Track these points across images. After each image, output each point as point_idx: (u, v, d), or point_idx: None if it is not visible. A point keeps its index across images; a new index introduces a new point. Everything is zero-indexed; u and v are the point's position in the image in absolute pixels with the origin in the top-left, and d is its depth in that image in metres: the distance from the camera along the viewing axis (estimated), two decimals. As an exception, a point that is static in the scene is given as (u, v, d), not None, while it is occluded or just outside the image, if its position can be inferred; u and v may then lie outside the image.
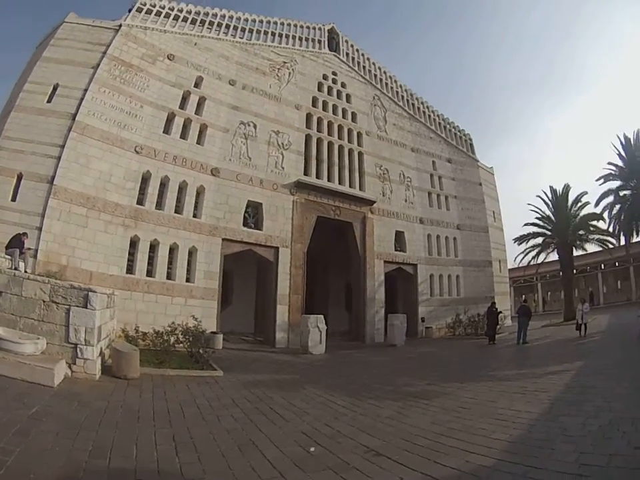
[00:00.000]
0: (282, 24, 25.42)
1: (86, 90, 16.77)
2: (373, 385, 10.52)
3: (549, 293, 49.04)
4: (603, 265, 44.08)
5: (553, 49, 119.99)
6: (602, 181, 30.47)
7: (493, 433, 5.88)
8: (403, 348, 20.44)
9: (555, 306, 43.44)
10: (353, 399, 8.54)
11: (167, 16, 20.46)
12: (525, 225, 33.16)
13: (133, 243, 16.54)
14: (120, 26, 18.65)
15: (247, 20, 23.76)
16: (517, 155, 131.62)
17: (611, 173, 30.20)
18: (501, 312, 22.76)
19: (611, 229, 29.91)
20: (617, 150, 29.81)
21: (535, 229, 32.56)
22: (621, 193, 29.52)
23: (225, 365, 12.62)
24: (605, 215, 29.82)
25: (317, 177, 23.07)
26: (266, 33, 24.45)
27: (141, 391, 8.37)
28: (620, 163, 29.81)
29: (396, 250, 25.84)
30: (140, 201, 17.01)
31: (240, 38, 23.04)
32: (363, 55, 29.45)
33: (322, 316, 18.41)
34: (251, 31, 23.76)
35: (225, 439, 5.71)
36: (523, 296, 44.53)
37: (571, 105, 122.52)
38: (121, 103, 17.46)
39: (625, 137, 29.46)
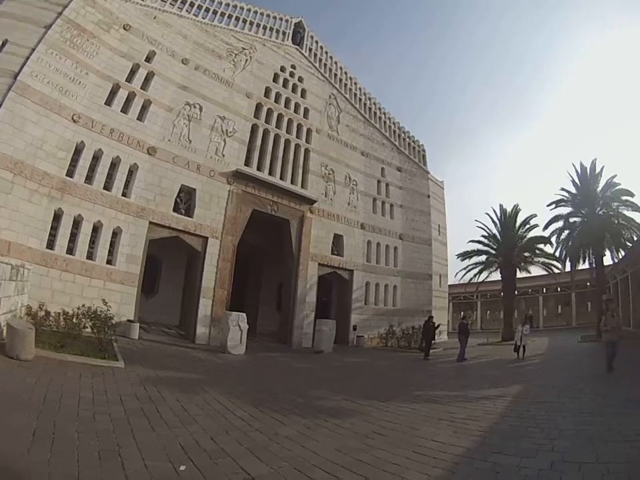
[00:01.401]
0: (249, 10, 25.43)
1: (33, 49, 16.18)
2: (283, 395, 10.06)
3: (488, 312, 51.17)
4: (545, 289, 46.31)
5: (508, 75, 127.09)
6: (553, 206, 32.13)
7: (405, 471, 5.21)
8: (330, 355, 20.62)
9: (493, 325, 45.35)
10: (255, 410, 8.05)
11: (132, -15, 20.18)
12: (470, 241, 34.60)
13: (57, 217, 16.01)
14: (83, -13, 18.24)
15: (212, 0, 23.71)
16: (467, 174, 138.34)
17: (562, 199, 31.86)
18: (438, 326, 23.34)
19: (557, 254, 31.55)
20: (572, 178, 31.52)
21: (480, 247, 34.05)
22: (571, 220, 31.21)
23: (132, 356, 12.38)
24: (553, 239, 31.44)
25: (258, 169, 23.18)
26: (230, 16, 24.42)
27: (27, 374, 7.96)
28: (573, 190, 31.50)
29: (333, 253, 26.23)
30: (70, 173, 16.50)
31: (202, 18, 22.96)
32: (326, 52, 29.88)
33: (244, 314, 18.30)
34: (215, 12, 23.69)
35: (89, 442, 5.21)
36: (462, 313, 46.14)
37: (522, 133, 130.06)
38: (66, 68, 16.93)
39: (581, 166, 31.34)
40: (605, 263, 30.66)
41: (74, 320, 12.37)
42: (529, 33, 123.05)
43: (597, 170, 30.64)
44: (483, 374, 15.73)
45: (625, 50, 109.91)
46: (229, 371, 13.74)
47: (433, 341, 21.57)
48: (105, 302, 12.94)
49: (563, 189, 32.05)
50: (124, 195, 18.03)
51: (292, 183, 24.80)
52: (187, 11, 22.36)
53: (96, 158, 17.45)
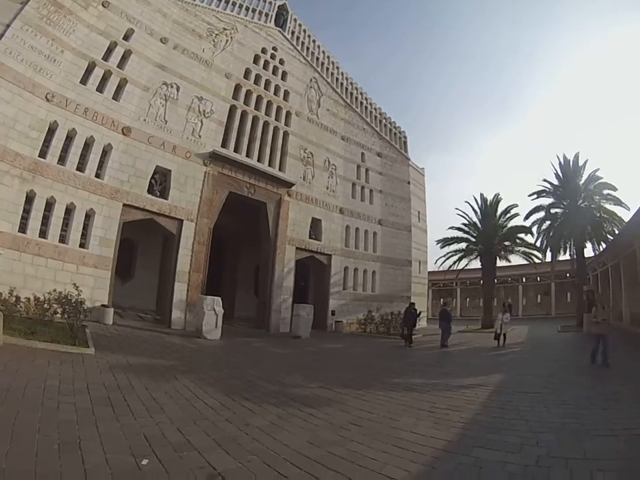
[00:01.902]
0: (231, -11, 25.18)
1: (8, 26, 15.79)
2: (257, 382, 9.74)
3: (468, 299, 52.08)
4: (524, 278, 47.05)
5: (494, 72, 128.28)
6: (535, 196, 32.61)
7: (383, 467, 4.91)
8: (308, 341, 20.61)
9: (472, 312, 45.88)
10: (227, 399, 7.79)
11: (113, -39, 19.78)
12: (450, 228, 34.92)
13: (29, 199, 15.67)
14: (61, -39, 17.82)
15: (194, -22, 23.43)
16: (448, 167, 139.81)
17: (544, 190, 32.35)
18: (420, 312, 23.61)
19: (538, 244, 32.12)
20: (555, 169, 31.94)
21: (460, 234, 34.35)
22: (552, 211, 31.68)
23: (104, 342, 12.32)
24: (534, 229, 31.99)
25: (235, 151, 23.06)
26: (213, -5, 24.15)
27: (-7, 362, 7.71)
28: (555, 182, 31.94)
29: (310, 237, 26.32)
30: (42, 154, 16.17)
31: None
32: (309, 36, 29.75)
33: (219, 298, 18.17)
34: None
35: (50, 433, 5.01)
36: (442, 299, 46.70)
37: (503, 130, 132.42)
38: (41, 45, 16.54)
39: (565, 158, 31.81)
40: (586, 255, 31.36)
41: (45, 306, 12.37)
42: (519, 30, 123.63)
43: (580, 163, 31.19)
44: (464, 362, 15.65)
45: (612, 47, 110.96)
46: (203, 356, 13.53)
47: (414, 328, 21.35)
48: (76, 286, 12.89)
49: (545, 180, 32.63)
50: (97, 176, 17.77)
51: (270, 165, 24.75)
52: (168, -12, 22.02)
53: (69, 138, 17.14)
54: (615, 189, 29.37)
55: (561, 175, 31.91)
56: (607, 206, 29.85)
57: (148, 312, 21.41)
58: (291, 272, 24.92)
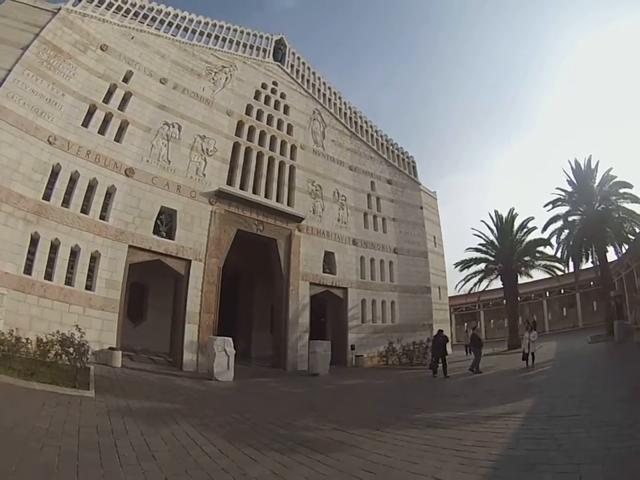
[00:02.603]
0: (228, 28, 25.73)
1: (10, 70, 16.15)
2: (265, 425, 9.00)
3: (492, 321, 50.71)
4: (548, 293, 45.98)
5: (495, 85, 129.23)
6: (550, 206, 32.16)
7: None
8: (325, 378, 19.83)
9: (498, 334, 44.85)
10: (227, 445, 7.16)
11: (110, 6, 20.35)
12: (468, 249, 34.17)
13: (34, 241, 15.60)
14: (59, 9, 18.34)
15: (191, 20, 23.93)
16: (461, 186, 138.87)
17: (559, 198, 31.95)
18: (448, 339, 22.58)
19: (558, 255, 31.37)
20: (567, 175, 31.49)
21: (479, 255, 33.63)
22: (570, 218, 31.01)
23: (107, 385, 11.97)
24: (553, 240, 31.41)
25: (241, 188, 22.87)
26: (209, 35, 24.61)
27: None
28: (569, 189, 31.56)
29: (324, 271, 25.76)
30: (46, 196, 16.18)
31: (181, 37, 23.10)
32: (308, 68, 30.12)
33: (230, 338, 17.59)
34: (194, 31, 23.91)
35: (24, 477, 4.71)
36: (466, 325, 45.75)
37: (515, 142, 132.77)
38: (42, 89, 16.86)
39: (576, 162, 31.48)
40: (609, 259, 30.55)
41: (47, 347, 11.99)
42: (515, 38, 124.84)
43: (593, 165, 30.74)
44: (491, 388, 14.73)
45: (616, 46, 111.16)
46: (211, 399, 13.03)
47: (446, 355, 19.80)
48: (78, 328, 12.49)
49: (559, 188, 32.10)
50: (102, 217, 17.66)
51: (277, 200, 24.47)
52: (164, 30, 22.53)
53: (73, 180, 17.19)
54: (631, 187, 28.86)
55: (574, 180, 31.45)
56: (625, 205, 29.37)
57: (161, 354, 20.87)
58: (305, 308, 24.23)
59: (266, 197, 23.95)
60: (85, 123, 18.11)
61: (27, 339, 12.41)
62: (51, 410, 8.03)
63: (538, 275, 34.31)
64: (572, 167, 31.63)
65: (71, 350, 11.92)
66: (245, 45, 26.30)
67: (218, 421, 9.26)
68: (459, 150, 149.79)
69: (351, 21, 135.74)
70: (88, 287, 16.76)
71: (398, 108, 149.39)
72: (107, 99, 19.13)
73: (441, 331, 21.43)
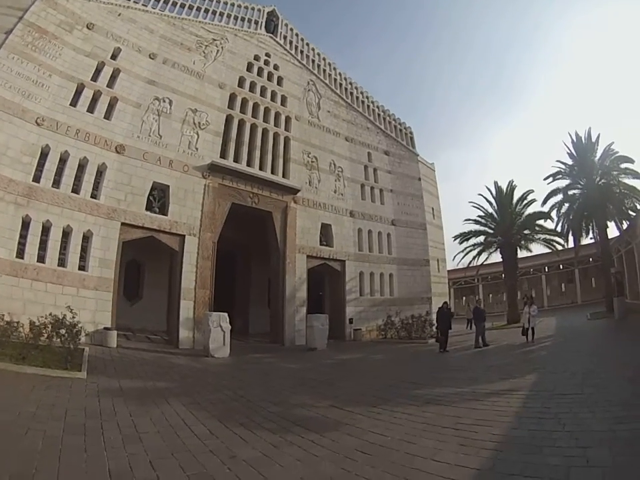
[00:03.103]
0: (218, 1, 25.12)
1: None
2: (259, 403, 8.80)
3: (491, 295, 50.75)
4: (547, 268, 46.00)
5: (498, 62, 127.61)
6: (550, 179, 31.80)
7: None
8: (323, 353, 19.70)
9: (496, 308, 44.67)
10: (219, 425, 7.00)
11: (96, -16, 19.90)
12: (466, 220, 33.98)
13: (25, 224, 15.54)
14: (42, -10, 18.00)
15: (179, -8, 23.40)
16: (461, 163, 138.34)
17: (560, 171, 31.53)
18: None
19: (559, 229, 31.16)
20: (567, 148, 31.07)
21: (477, 227, 33.50)
22: (570, 192, 30.73)
23: (100, 366, 11.91)
24: (553, 214, 31.06)
25: (235, 161, 22.63)
26: (199, 8, 24.07)
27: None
28: (570, 162, 31.14)
29: (321, 244, 25.66)
30: (36, 178, 16.09)
31: (169, 12, 22.62)
32: (302, 39, 29.48)
33: (225, 314, 17.49)
34: (182, 5, 23.34)
35: (4, 464, 4.57)
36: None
37: (514, 117, 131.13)
38: (28, 71, 16.64)
39: (577, 135, 31.01)
40: (610, 236, 30.32)
41: (40, 330, 11.93)
42: (518, 14, 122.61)
43: (593, 138, 30.23)
44: (492, 363, 14.41)
45: (618, 25, 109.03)
46: (205, 377, 12.82)
47: (450, 330, 19.48)
48: (70, 309, 12.47)
49: (559, 161, 31.75)
50: (93, 196, 17.57)
51: (272, 173, 24.24)
52: (152, 6, 22.07)
53: (63, 160, 17.04)
54: (632, 162, 28.44)
55: (574, 153, 31.01)
56: (627, 181, 28.94)
57: (158, 333, 21.03)
58: (303, 282, 24.22)
59: (260, 169, 23.70)
60: (74, 103, 17.90)
61: (18, 322, 12.33)
62: (41, 393, 7.98)
63: (537, 249, 34.31)
64: (572, 140, 31.18)
65: (63, 331, 11.91)
66: (235, 18, 25.79)
67: (210, 399, 9.16)
68: (458, 127, 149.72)
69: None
70: (81, 268, 16.76)
71: (396, 86, 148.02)
72: (95, 77, 18.88)
73: (445, 303, 21.08)
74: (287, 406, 8.75)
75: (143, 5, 21.61)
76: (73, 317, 12.21)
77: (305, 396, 9.94)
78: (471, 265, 34.20)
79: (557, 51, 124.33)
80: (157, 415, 7.50)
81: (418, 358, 18.28)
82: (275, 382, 12.03)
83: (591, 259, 41.04)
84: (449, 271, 39.92)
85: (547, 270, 46.53)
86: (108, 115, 18.86)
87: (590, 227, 29.95)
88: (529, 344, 18.44)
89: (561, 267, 45.06)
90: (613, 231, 29.95)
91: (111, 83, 19.36)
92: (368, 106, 32.04)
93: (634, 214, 27.36)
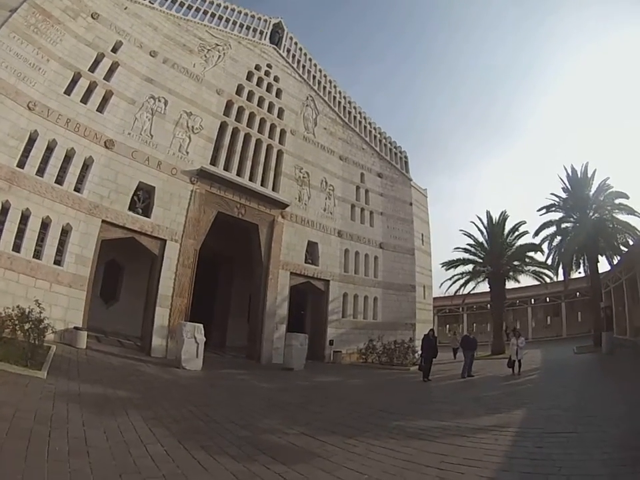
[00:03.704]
0: (225, 7, 25.10)
1: None
2: (225, 424, 8.17)
3: (475, 325, 50.51)
4: (533, 300, 46.13)
5: (493, 90, 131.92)
6: (544, 211, 31.77)
7: None
8: (300, 373, 19.06)
9: (480, 338, 44.11)
10: (178, 445, 6.43)
11: (106, -27, 19.75)
12: (456, 249, 33.79)
13: (4, 210, 14.93)
14: (52, -27, 17.75)
15: (188, -6, 23.28)
16: (451, 190, 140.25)
17: (553, 204, 31.48)
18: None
19: (549, 262, 30.93)
20: (562, 181, 31.15)
21: (466, 256, 33.26)
22: (563, 225, 30.72)
23: (64, 367, 11.37)
24: (545, 246, 30.91)
25: (225, 169, 22.18)
26: (205, 12, 24.01)
27: None
28: (564, 195, 31.16)
29: (307, 262, 25.20)
30: (21, 164, 15.52)
31: (176, 11, 22.52)
32: (305, 54, 29.52)
33: (201, 325, 16.85)
34: (189, 7, 23.30)
35: None
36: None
37: (507, 150, 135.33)
38: (27, 53, 16.29)
39: (572, 169, 31.06)
40: (600, 270, 30.19)
41: (4, 322, 11.39)
42: (513, 47, 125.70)
43: (589, 174, 30.32)
44: (477, 395, 13.89)
45: (611, 51, 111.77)
46: (172, 389, 12.12)
47: (433, 358, 18.73)
48: (38, 303, 11.92)
49: (553, 194, 31.80)
50: (77, 190, 17.03)
51: (262, 185, 23.80)
52: (159, 4, 21.94)
53: (50, 149, 16.56)
54: (627, 197, 28.47)
55: (569, 187, 31.01)
56: (620, 216, 28.82)
57: (131, 338, 20.32)
58: (285, 299, 23.66)
59: (250, 180, 23.24)
60: (68, 91, 17.52)
61: None
62: None
63: (525, 281, 34.20)
64: (567, 174, 31.23)
65: (26, 326, 11.28)
66: (241, 25, 25.71)
67: (173, 415, 8.49)
68: (452, 153, 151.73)
69: (352, 18, 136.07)
70: (57, 262, 16.16)
71: (392, 109, 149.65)
72: (92, 68, 18.55)
73: (432, 330, 20.45)
74: (255, 430, 8.11)
75: (150, 1, 21.49)
76: (40, 312, 11.66)
77: (276, 420, 9.22)
78: (457, 294, 33.99)
79: (550, 83, 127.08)
80: (112, 427, 6.91)
81: (400, 385, 17.67)
82: (245, 402, 11.33)
83: (578, 293, 41.11)
84: (434, 298, 39.61)
85: (533, 302, 46.56)
86: (101, 108, 18.46)
87: (581, 261, 29.90)
88: (515, 376, 18.13)
89: (548, 299, 45.05)
90: (603, 266, 29.89)
91: (108, 76, 19.04)
92: (365, 127, 31.94)
93: (625, 249, 27.29)
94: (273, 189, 24.38)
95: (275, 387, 14.81)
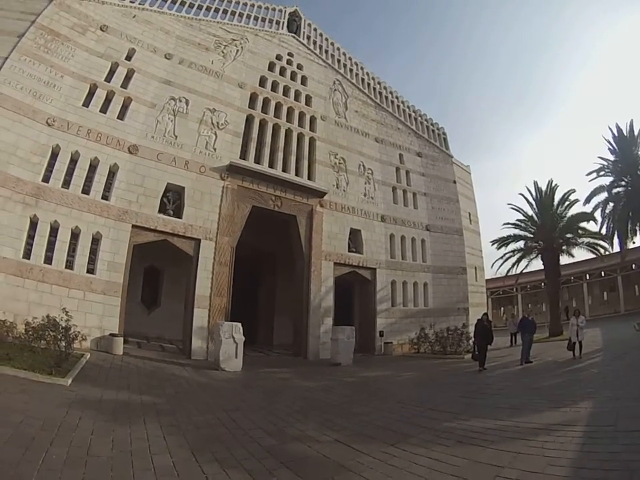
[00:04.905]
0: (237, 2, 24.73)
1: (6, 58, 16.02)
2: (250, 432, 7.35)
3: (529, 305, 48.26)
4: (588, 275, 43.75)
5: (527, 69, 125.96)
6: (594, 175, 29.82)
7: None
8: (347, 368, 17.95)
9: (537, 319, 42.39)
10: (190, 457, 5.78)
11: (108, -13, 19.79)
12: (505, 225, 32.16)
13: (33, 225, 15.19)
14: (55, -5, 18.03)
15: (195, -5, 23.10)
16: (496, 170, 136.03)
17: (602, 167, 29.46)
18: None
19: (603, 231, 28.94)
20: (608, 143, 29.12)
21: (517, 232, 31.68)
22: (614, 191, 28.69)
23: (93, 374, 11.16)
24: (597, 215, 28.98)
25: (257, 162, 21.58)
26: (217, 10, 23.76)
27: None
28: (611, 157, 29.16)
29: (350, 250, 24.18)
30: (46, 178, 15.79)
31: (186, 13, 22.38)
32: (326, 39, 28.70)
33: (239, 324, 16.24)
34: (200, 7, 23.14)
35: None
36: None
37: (546, 124, 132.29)
38: (40, 73, 16.63)
39: (618, 128, 28.96)
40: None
41: (36, 332, 11.26)
42: (547, 21, 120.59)
43: (636, 131, 28.09)
44: (536, 385, 12.32)
45: None
46: (202, 393, 11.47)
47: (489, 346, 16.97)
48: (65, 311, 11.61)
49: (600, 157, 29.79)
50: (104, 197, 17.07)
51: (297, 175, 23.05)
52: (168, 8, 21.91)
53: (73, 161, 16.79)
54: None
55: (616, 148, 28.91)
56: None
57: (174, 342, 20.16)
58: (329, 290, 22.71)
59: (284, 171, 22.57)
60: (86, 103, 17.79)
61: (11, 322, 12.07)
62: (8, 398, 7.23)
63: (578, 255, 32.31)
64: (613, 134, 29.17)
65: (52, 334, 11.19)
66: (256, 18, 25.28)
67: (195, 422, 7.79)
68: (491, 134, 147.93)
69: (376, 8, 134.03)
70: (89, 271, 16.19)
71: (425, 97, 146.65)
72: (108, 78, 18.76)
73: (485, 315, 18.42)
74: (283, 438, 7.19)
75: (158, 7, 21.46)
76: (68, 320, 11.47)
77: (310, 425, 8.22)
78: (509, 274, 32.33)
79: (588, 51, 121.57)
80: (123, 435, 6.34)
81: (453, 377, 15.99)
82: (280, 404, 10.36)
83: (634, 265, 38.77)
84: (486, 280, 37.84)
85: (587, 278, 44.12)
86: (121, 116, 18.51)
87: (637, 228, 27.65)
88: (576, 360, 16.69)
89: (603, 273, 42.58)
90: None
91: (125, 84, 19.14)
92: (398, 106, 30.70)
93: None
94: (309, 178, 23.59)
95: (316, 386, 13.68)
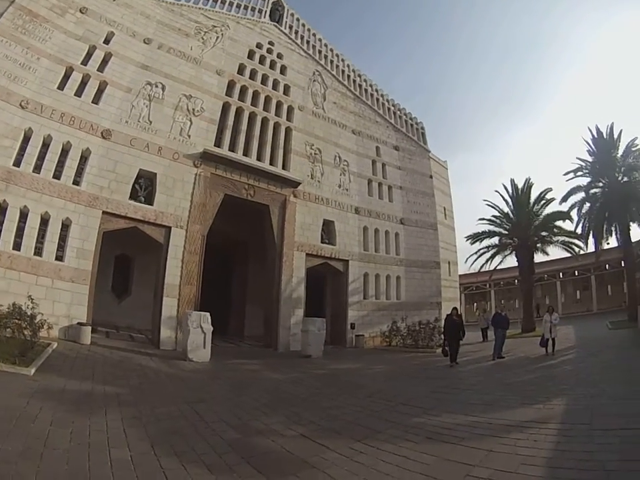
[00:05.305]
0: (219, -11, 24.36)
1: None
2: (214, 424, 7.28)
3: (502, 301, 48.72)
4: (561, 274, 44.59)
5: (515, 66, 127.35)
6: (571, 175, 30.41)
7: None
8: (318, 361, 17.93)
9: (509, 315, 43.03)
10: (149, 450, 5.70)
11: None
12: (480, 220, 32.51)
13: (2, 210, 14.90)
14: (36, -24, 17.65)
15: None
16: (477, 166, 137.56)
17: (580, 167, 30.04)
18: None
19: (579, 230, 29.50)
20: (587, 144, 29.72)
21: (492, 228, 32.04)
22: (592, 191, 29.30)
23: (58, 363, 11.08)
24: (573, 213, 29.59)
25: (231, 150, 21.49)
26: (199, -4, 23.40)
27: None
28: (589, 159, 29.73)
29: (323, 242, 24.29)
30: (17, 162, 15.47)
31: None
32: (309, 29, 28.53)
33: (207, 314, 16.06)
34: None
35: None
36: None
37: (532, 122, 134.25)
38: (16, 54, 16.30)
39: (597, 130, 29.47)
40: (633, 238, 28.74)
41: (4, 320, 11.15)
42: (536, 19, 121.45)
43: (615, 134, 28.72)
44: (509, 380, 12.45)
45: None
46: (168, 384, 11.38)
47: (461, 340, 16.65)
48: (31, 298, 11.64)
49: (579, 158, 30.34)
50: (75, 183, 16.82)
51: (271, 164, 23.01)
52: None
53: (46, 145, 16.46)
54: None
55: (594, 149, 29.56)
56: (651, 179, 27.05)
57: (143, 332, 20.05)
58: (301, 281, 22.83)
59: (258, 160, 22.51)
60: (61, 86, 17.48)
61: None
62: None
63: (553, 253, 32.78)
64: (592, 136, 29.75)
65: (16, 322, 11.14)
66: (238, 6, 24.97)
67: (157, 414, 7.73)
68: (474, 131, 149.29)
69: (365, 3, 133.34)
70: (58, 258, 16.00)
71: (412, 91, 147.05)
72: (85, 61, 18.42)
73: (455, 309, 17.96)
74: (246, 432, 7.08)
75: None
76: (34, 308, 11.46)
77: (276, 418, 8.09)
78: (482, 270, 32.77)
79: (575, 52, 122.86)
80: (82, 427, 6.28)
81: (424, 371, 16.00)
82: (247, 396, 10.18)
83: (607, 266, 39.72)
84: (460, 275, 38.35)
85: (561, 276, 44.99)
86: (96, 100, 18.23)
87: (612, 229, 28.30)
88: (549, 356, 17.02)
89: (577, 273, 43.56)
90: (635, 234, 28.41)
91: (101, 67, 18.82)
92: (377, 99, 30.77)
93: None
94: (283, 168, 23.55)
95: (285, 378, 13.62)
